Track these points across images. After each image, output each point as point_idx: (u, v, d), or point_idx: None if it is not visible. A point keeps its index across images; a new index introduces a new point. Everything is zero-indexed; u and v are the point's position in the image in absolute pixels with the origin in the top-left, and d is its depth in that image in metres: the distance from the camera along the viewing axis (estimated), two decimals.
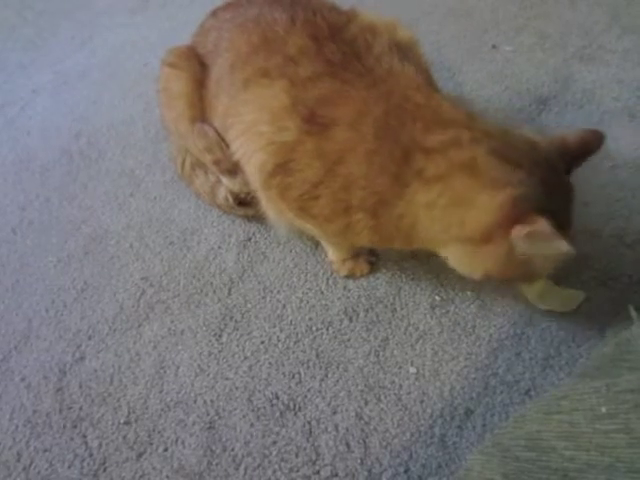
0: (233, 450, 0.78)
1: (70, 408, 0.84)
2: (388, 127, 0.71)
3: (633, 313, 0.66)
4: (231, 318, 0.92)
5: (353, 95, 0.74)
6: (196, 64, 0.93)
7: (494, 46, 1.33)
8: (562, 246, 0.60)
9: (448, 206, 0.68)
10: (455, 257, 0.73)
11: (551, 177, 0.67)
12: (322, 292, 0.94)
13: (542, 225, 0.60)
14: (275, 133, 0.76)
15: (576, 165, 0.71)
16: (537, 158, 0.67)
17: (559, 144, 0.70)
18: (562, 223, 0.65)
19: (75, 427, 0.82)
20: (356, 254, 0.94)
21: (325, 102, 0.74)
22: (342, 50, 0.78)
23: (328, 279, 0.95)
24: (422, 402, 0.79)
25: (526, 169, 0.65)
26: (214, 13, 0.97)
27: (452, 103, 0.74)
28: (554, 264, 0.70)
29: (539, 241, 0.62)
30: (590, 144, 0.71)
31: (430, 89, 0.78)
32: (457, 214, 0.67)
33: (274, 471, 0.75)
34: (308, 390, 0.82)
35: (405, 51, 0.82)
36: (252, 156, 0.80)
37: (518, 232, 0.63)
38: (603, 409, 0.42)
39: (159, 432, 0.80)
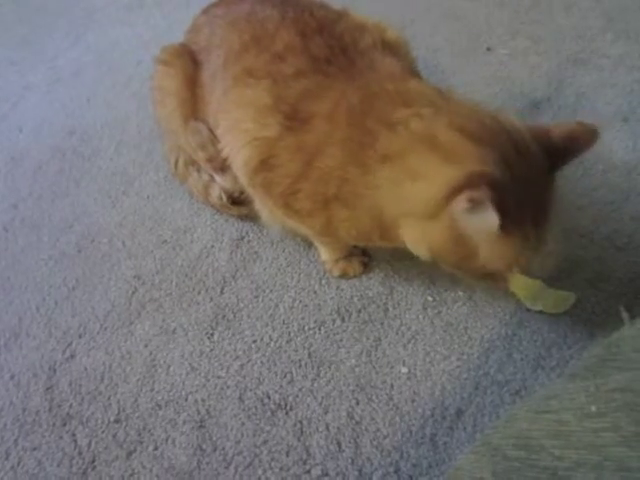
0: (224, 449, 0.77)
1: (60, 406, 0.84)
2: (360, 115, 0.71)
3: (624, 314, 0.66)
4: (223, 317, 0.92)
5: (332, 88, 0.75)
6: (189, 61, 0.94)
7: (488, 49, 1.34)
8: (492, 219, 0.57)
9: (404, 180, 0.65)
10: (407, 233, 0.70)
11: (518, 164, 0.61)
12: (315, 292, 0.93)
13: (483, 193, 0.55)
14: (258, 130, 0.76)
15: (562, 162, 0.65)
16: (503, 139, 0.62)
17: (541, 136, 0.64)
18: (527, 214, 0.61)
19: (64, 425, 0.82)
20: (349, 254, 0.94)
21: (306, 97, 0.75)
22: (329, 44, 0.79)
23: (321, 279, 0.95)
24: (413, 402, 0.80)
25: (488, 148, 0.61)
26: (206, 10, 0.98)
27: (429, 86, 0.73)
28: (503, 255, 0.64)
29: (477, 212, 0.58)
30: (579, 140, 0.64)
31: (408, 76, 0.78)
32: (412, 188, 0.65)
33: (264, 470, 0.75)
34: (300, 389, 0.82)
35: (393, 50, 0.82)
36: (238, 153, 0.80)
37: (461, 199, 0.58)
38: (592, 408, 0.42)
39: (149, 431, 0.80)
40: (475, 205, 0.57)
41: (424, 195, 0.63)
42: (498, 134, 0.63)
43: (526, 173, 0.62)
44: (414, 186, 0.64)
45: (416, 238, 0.69)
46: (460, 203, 0.58)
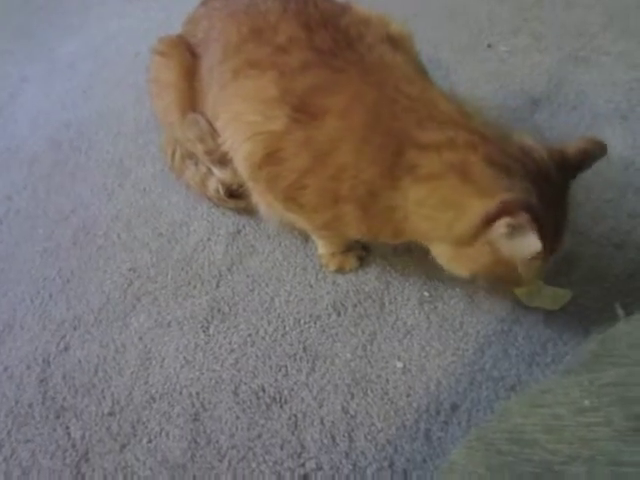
0: (218, 442, 0.77)
1: (53, 399, 0.83)
2: (380, 117, 0.70)
3: (619, 311, 0.66)
4: (219, 310, 0.91)
5: (344, 84, 0.74)
6: (186, 53, 0.93)
7: (489, 46, 1.34)
8: (535, 243, 0.60)
9: (437, 206, 0.68)
10: (442, 256, 0.73)
11: (544, 189, 0.65)
12: (311, 286, 0.93)
13: (523, 218, 0.59)
14: (263, 123, 0.75)
15: (574, 174, 0.70)
16: (531, 167, 0.66)
17: (558, 157, 0.67)
18: (549, 232, 0.64)
19: (58, 418, 0.81)
20: (347, 249, 0.94)
21: (315, 91, 0.74)
22: (333, 38, 0.78)
23: (317, 273, 0.95)
24: (408, 397, 0.79)
25: (518, 178, 0.64)
26: (204, 2, 0.97)
27: (447, 98, 0.73)
28: (536, 269, 0.69)
29: (517, 236, 0.61)
30: (590, 154, 0.68)
31: (424, 82, 0.78)
32: (446, 216, 0.67)
33: (258, 464, 0.75)
34: (294, 383, 0.82)
35: (397, 43, 0.82)
36: (240, 146, 0.79)
37: (499, 225, 0.62)
38: (586, 402, 0.42)
39: (143, 423, 0.80)
40: (513, 230, 0.61)
41: (458, 226, 0.66)
42: (525, 162, 0.66)
43: (549, 195, 0.65)
44: (447, 215, 0.67)
45: (453, 262, 0.72)
46: (499, 228, 0.61)
